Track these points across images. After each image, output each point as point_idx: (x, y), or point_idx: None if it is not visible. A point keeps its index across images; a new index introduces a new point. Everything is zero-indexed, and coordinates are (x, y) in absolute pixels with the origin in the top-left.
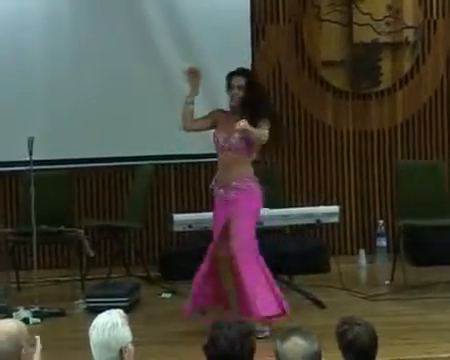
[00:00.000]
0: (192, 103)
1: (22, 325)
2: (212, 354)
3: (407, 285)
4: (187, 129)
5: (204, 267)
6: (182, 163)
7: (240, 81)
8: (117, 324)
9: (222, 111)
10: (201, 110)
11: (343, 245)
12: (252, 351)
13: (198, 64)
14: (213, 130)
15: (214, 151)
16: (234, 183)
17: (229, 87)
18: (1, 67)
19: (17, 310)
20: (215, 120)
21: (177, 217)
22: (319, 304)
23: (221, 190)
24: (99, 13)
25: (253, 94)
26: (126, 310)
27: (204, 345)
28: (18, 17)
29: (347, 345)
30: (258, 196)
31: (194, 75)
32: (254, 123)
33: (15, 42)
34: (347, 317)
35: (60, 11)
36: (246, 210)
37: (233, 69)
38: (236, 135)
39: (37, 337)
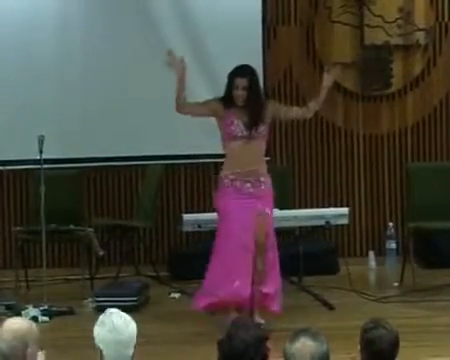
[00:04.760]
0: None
1: (32, 325)
2: (226, 351)
3: (416, 287)
4: (179, 110)
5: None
6: (192, 163)
7: (244, 82)
8: (130, 321)
9: (221, 103)
10: None
11: (352, 247)
12: (265, 357)
13: (209, 66)
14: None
15: (223, 152)
16: (262, 178)
17: (232, 86)
18: (13, 66)
19: (26, 308)
20: (214, 111)
21: (186, 217)
22: (328, 305)
23: (248, 184)
24: (110, 13)
25: (256, 91)
26: (135, 309)
27: (219, 340)
28: (29, 17)
29: (367, 343)
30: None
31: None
32: (259, 115)
33: (26, 42)
34: (377, 317)
35: (71, 11)
36: (272, 207)
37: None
38: (260, 123)
39: (41, 353)
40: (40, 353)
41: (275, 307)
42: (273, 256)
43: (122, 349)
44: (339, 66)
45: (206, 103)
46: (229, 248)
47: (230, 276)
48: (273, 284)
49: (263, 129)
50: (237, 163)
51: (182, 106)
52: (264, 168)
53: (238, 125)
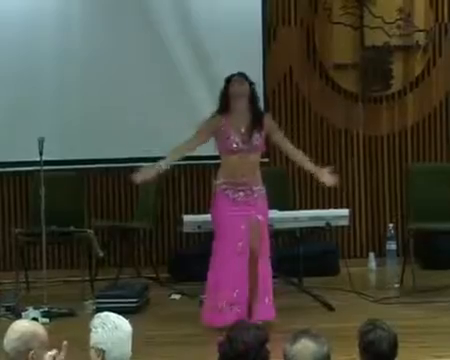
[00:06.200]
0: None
1: (41, 329)
2: (226, 353)
3: (416, 288)
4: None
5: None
6: (192, 164)
7: (242, 80)
8: (124, 319)
9: (219, 116)
10: (211, 111)
11: (353, 248)
12: (265, 359)
13: (209, 66)
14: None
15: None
16: (255, 187)
17: (229, 84)
18: (13, 67)
19: (26, 310)
20: (214, 128)
21: (186, 218)
22: (328, 306)
23: (240, 192)
24: (111, 13)
25: (254, 92)
26: (135, 311)
27: (219, 342)
28: (30, 17)
29: (366, 345)
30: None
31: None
32: (259, 119)
33: (27, 43)
34: (374, 319)
35: (71, 11)
36: (266, 214)
37: (244, 71)
38: (257, 135)
39: (65, 342)
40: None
41: (269, 315)
42: (266, 263)
43: (125, 346)
44: (337, 177)
45: (203, 128)
46: (225, 258)
47: (229, 285)
48: (267, 293)
49: (259, 141)
50: (231, 174)
51: (184, 153)
52: (258, 179)
53: (234, 139)
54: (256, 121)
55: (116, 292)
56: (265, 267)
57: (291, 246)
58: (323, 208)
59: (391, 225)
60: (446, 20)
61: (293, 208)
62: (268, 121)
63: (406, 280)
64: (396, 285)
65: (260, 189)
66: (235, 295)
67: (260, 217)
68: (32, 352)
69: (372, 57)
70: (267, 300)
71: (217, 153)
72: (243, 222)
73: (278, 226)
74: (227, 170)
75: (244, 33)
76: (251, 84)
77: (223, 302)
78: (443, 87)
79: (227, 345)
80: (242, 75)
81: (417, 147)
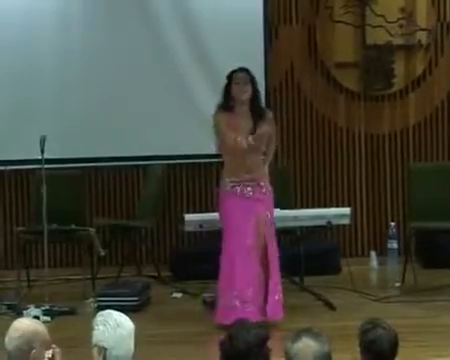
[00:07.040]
0: None
1: (42, 328)
2: (228, 351)
3: (418, 287)
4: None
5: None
6: (194, 163)
7: (245, 76)
8: (126, 316)
9: (225, 112)
10: (212, 110)
11: (354, 247)
12: (266, 357)
13: (211, 66)
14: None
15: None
16: (263, 183)
17: (231, 82)
18: (13, 66)
19: (28, 308)
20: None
21: (188, 217)
22: (330, 305)
23: (248, 188)
24: (111, 12)
25: (256, 89)
26: (136, 309)
27: (221, 341)
28: (30, 17)
29: (366, 345)
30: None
31: None
32: (262, 117)
33: (27, 41)
34: (374, 318)
35: (71, 11)
36: (273, 213)
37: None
38: (264, 125)
39: (58, 350)
40: (57, 350)
41: (278, 315)
42: (274, 261)
43: (127, 344)
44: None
45: (223, 122)
46: (234, 256)
47: (242, 283)
48: (277, 292)
49: (264, 134)
50: (236, 173)
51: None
52: (264, 174)
53: (241, 142)
54: (259, 121)
55: (117, 290)
56: (274, 266)
57: (292, 245)
58: (324, 207)
59: (392, 224)
60: (448, 19)
61: (294, 207)
62: (269, 119)
63: (407, 279)
64: (397, 284)
65: (267, 185)
66: (249, 293)
67: (268, 214)
68: (34, 351)
69: (374, 56)
70: (277, 298)
71: (217, 152)
72: (251, 218)
73: (279, 225)
74: (232, 169)
75: (245, 32)
76: (252, 79)
77: (236, 300)
78: (445, 86)
79: (228, 344)
80: (244, 70)
81: (419, 146)
